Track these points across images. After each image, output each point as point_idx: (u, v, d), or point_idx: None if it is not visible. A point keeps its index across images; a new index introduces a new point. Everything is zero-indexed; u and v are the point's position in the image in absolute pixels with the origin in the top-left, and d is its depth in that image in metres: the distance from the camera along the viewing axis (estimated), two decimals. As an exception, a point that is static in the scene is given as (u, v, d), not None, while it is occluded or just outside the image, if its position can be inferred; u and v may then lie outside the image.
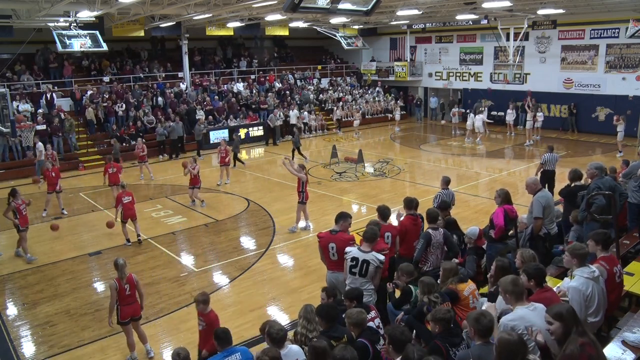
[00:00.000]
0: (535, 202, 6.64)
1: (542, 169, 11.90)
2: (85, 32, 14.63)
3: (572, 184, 7.74)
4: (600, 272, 4.57)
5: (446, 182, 8.64)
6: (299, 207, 10.88)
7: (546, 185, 11.14)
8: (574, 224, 6.95)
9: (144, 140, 16.66)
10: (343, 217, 6.36)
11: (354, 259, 5.54)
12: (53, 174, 12.58)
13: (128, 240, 10.56)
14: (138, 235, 10.64)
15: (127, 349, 6.57)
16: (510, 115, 21.89)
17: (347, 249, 5.71)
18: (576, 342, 3.22)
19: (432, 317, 4.17)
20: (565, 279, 4.90)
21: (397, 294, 5.69)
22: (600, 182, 6.89)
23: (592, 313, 4.41)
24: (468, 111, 22.80)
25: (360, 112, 25.26)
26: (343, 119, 25.16)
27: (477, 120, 20.36)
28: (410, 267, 5.64)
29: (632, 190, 7.42)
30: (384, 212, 6.64)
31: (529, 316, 3.80)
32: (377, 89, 28.82)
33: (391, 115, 27.03)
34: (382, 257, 5.61)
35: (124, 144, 19.48)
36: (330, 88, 27.86)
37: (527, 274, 4.26)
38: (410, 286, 5.40)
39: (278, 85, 25.95)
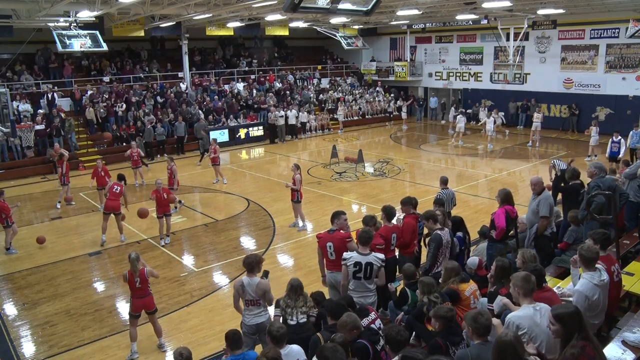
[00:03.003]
0: (543, 201, 6.65)
1: (555, 173, 11.81)
2: (85, 32, 14.61)
3: (570, 182, 7.76)
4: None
5: (444, 181, 8.63)
6: (296, 206, 10.93)
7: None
8: (572, 224, 6.96)
9: (136, 143, 16.23)
10: (337, 216, 6.37)
11: (356, 264, 5.51)
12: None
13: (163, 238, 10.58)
14: (168, 234, 10.67)
15: (127, 348, 6.61)
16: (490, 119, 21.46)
17: (346, 254, 5.68)
18: (576, 347, 3.21)
19: (433, 314, 4.19)
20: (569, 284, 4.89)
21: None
22: (599, 181, 6.90)
23: (594, 316, 4.41)
24: (460, 111, 22.72)
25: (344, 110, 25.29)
26: (345, 118, 25.21)
27: (489, 122, 20.20)
28: (412, 268, 5.64)
29: (634, 190, 7.43)
30: (390, 213, 6.59)
31: (536, 317, 3.80)
32: (377, 88, 28.83)
33: (391, 115, 27.10)
34: (382, 256, 5.64)
35: (124, 144, 19.51)
36: (331, 88, 27.87)
37: None
38: (407, 289, 5.40)
39: (278, 85, 25.96)
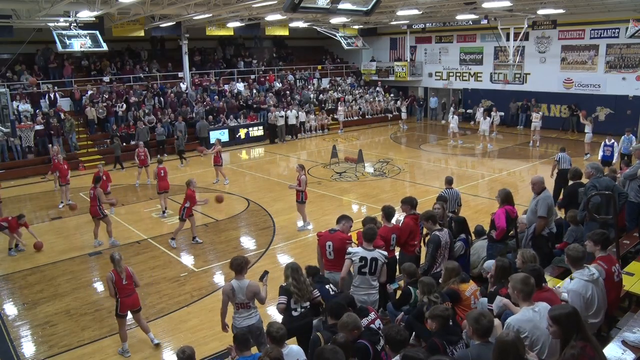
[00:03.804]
0: (541, 201, 6.64)
1: (557, 168, 11.80)
2: (85, 32, 14.63)
3: (572, 182, 7.78)
4: (599, 272, 4.57)
5: (449, 181, 8.64)
6: (299, 207, 10.93)
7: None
8: (571, 224, 6.95)
9: (142, 144, 16.29)
10: (345, 219, 6.42)
11: (362, 258, 5.55)
12: (66, 167, 13.19)
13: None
14: (194, 238, 10.58)
15: (127, 349, 6.59)
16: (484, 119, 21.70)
17: (351, 249, 5.72)
18: (575, 348, 3.20)
19: (429, 314, 4.18)
20: (566, 280, 4.91)
21: (398, 294, 5.69)
22: (596, 181, 6.92)
23: (592, 314, 4.42)
24: (453, 111, 22.72)
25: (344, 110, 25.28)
26: (345, 118, 25.22)
27: (483, 123, 20.19)
28: (412, 267, 5.63)
29: (635, 190, 7.44)
30: (389, 213, 6.58)
31: (536, 320, 3.80)
32: (377, 88, 28.83)
33: (391, 115, 27.10)
34: (386, 253, 5.70)
35: (124, 144, 19.52)
36: (331, 88, 27.87)
37: None
38: (410, 287, 5.40)
39: (278, 85, 25.96)
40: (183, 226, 10.30)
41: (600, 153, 13.92)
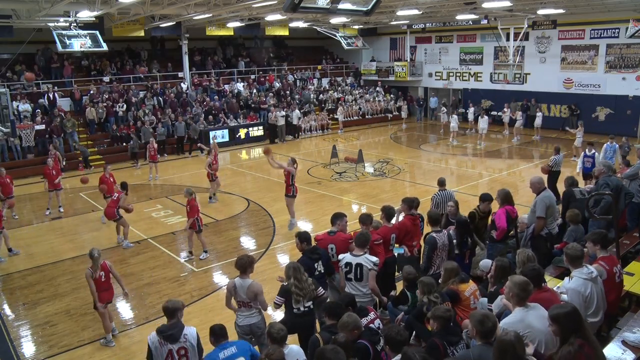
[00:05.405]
0: (539, 202, 6.64)
1: (549, 170, 11.72)
2: (85, 32, 14.63)
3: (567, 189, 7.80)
4: (600, 272, 4.58)
5: (441, 183, 8.59)
6: (290, 202, 10.65)
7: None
8: (571, 224, 6.96)
9: (154, 140, 16.61)
10: (339, 217, 6.35)
11: (347, 264, 5.53)
12: (54, 172, 12.73)
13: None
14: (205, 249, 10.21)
15: (127, 348, 6.66)
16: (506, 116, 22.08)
17: (341, 255, 5.70)
18: (573, 345, 3.20)
19: (431, 315, 4.18)
20: (566, 279, 4.91)
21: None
22: (608, 179, 6.93)
23: (592, 313, 4.42)
24: (445, 110, 22.71)
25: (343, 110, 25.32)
26: (345, 118, 25.22)
27: (482, 122, 20.26)
28: (411, 275, 5.62)
29: (635, 190, 7.45)
30: (389, 213, 6.55)
31: (527, 319, 3.80)
32: (377, 88, 28.85)
33: (391, 115, 27.11)
34: (374, 259, 5.56)
35: (123, 144, 19.51)
36: (331, 88, 27.87)
37: (524, 275, 4.26)
38: (407, 291, 5.41)
39: (278, 85, 25.96)
40: (201, 238, 9.95)
41: (579, 165, 12.77)
